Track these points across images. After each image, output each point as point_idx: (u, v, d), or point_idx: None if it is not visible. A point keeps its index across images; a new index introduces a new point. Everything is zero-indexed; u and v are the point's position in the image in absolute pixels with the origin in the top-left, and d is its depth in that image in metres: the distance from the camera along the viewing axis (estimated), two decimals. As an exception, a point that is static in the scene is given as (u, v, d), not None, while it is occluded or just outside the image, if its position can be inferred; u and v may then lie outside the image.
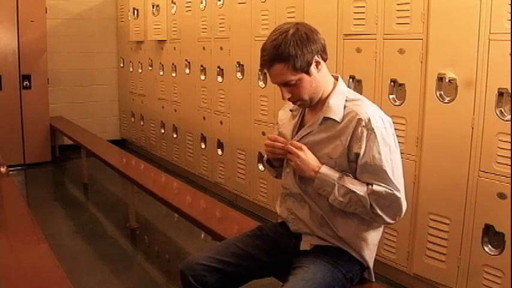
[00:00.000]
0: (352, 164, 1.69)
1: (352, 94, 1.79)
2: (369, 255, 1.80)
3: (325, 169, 1.70)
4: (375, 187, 1.64)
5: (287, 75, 1.67)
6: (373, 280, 1.84)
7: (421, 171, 2.68)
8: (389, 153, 1.66)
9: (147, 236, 3.89)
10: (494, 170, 2.35)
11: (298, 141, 1.78)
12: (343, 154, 1.69)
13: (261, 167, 3.88)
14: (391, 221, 1.69)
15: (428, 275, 2.70)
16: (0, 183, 3.26)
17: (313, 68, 1.69)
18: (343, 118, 1.70)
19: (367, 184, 1.66)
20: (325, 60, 1.74)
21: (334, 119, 1.71)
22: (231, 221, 2.65)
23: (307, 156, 1.72)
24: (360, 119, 1.66)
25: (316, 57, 1.69)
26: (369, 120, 1.65)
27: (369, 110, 1.69)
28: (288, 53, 1.64)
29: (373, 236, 1.80)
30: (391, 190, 1.64)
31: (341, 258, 1.74)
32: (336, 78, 1.80)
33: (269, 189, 3.86)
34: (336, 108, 1.72)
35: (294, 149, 1.73)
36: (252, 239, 1.89)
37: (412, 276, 2.80)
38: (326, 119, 1.73)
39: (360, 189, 1.65)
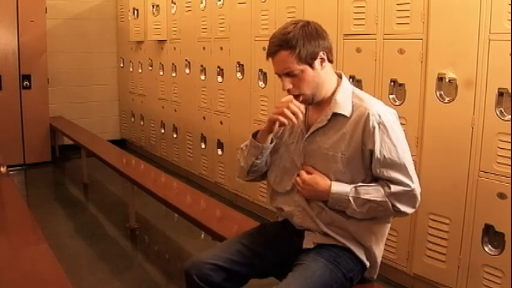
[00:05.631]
0: (366, 160, 1.69)
1: (357, 90, 1.80)
2: (378, 249, 1.80)
3: (335, 187, 1.71)
4: (393, 188, 1.66)
5: (291, 64, 1.67)
6: (375, 277, 1.83)
7: (421, 171, 2.68)
8: (401, 144, 1.69)
9: (147, 236, 3.88)
10: (494, 170, 2.35)
11: (308, 137, 1.78)
12: (357, 151, 1.69)
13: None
14: (413, 211, 1.72)
15: (428, 275, 2.70)
16: (0, 183, 3.26)
17: (317, 63, 1.70)
18: (352, 113, 1.71)
19: (382, 186, 1.68)
20: (330, 61, 1.75)
21: (344, 114, 1.72)
22: (231, 221, 2.65)
23: (313, 187, 1.74)
24: (369, 114, 1.67)
25: (321, 53, 1.70)
26: (380, 116, 1.67)
27: (376, 105, 1.71)
28: (296, 41, 1.66)
29: (384, 230, 1.80)
30: (408, 186, 1.67)
31: (343, 258, 1.74)
32: (340, 76, 1.80)
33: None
34: (343, 103, 1.73)
35: (300, 184, 1.76)
36: (255, 236, 1.88)
37: (412, 276, 2.80)
38: (335, 114, 1.73)
39: (377, 195, 1.67)
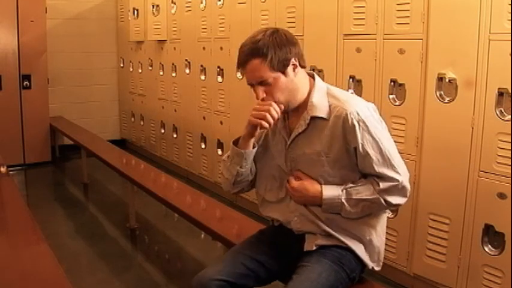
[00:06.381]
0: (353, 158, 1.69)
1: (332, 89, 1.78)
2: (380, 241, 1.79)
3: (327, 192, 1.70)
4: (382, 185, 1.66)
5: (264, 72, 1.66)
6: (379, 269, 1.82)
7: (421, 171, 2.68)
8: (383, 138, 1.68)
9: (147, 236, 3.89)
10: (494, 170, 2.35)
11: (291, 143, 1.77)
12: (342, 151, 1.68)
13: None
14: (405, 200, 1.71)
15: (428, 275, 2.70)
16: (0, 183, 3.26)
17: (290, 69, 1.69)
18: (330, 114, 1.70)
19: (371, 183, 1.67)
20: (302, 67, 1.74)
21: (322, 117, 1.70)
22: (231, 221, 2.65)
23: (302, 193, 1.73)
24: (348, 114, 1.65)
25: (293, 59, 1.69)
26: (358, 113, 1.65)
27: (353, 102, 1.69)
28: (267, 48, 1.65)
29: (382, 221, 1.80)
30: (396, 181, 1.66)
31: (346, 258, 1.73)
32: (312, 76, 1.79)
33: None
34: (319, 105, 1.71)
35: (290, 190, 1.76)
36: (256, 245, 1.87)
37: (412, 276, 2.80)
38: (313, 118, 1.72)
39: (368, 193, 1.67)
